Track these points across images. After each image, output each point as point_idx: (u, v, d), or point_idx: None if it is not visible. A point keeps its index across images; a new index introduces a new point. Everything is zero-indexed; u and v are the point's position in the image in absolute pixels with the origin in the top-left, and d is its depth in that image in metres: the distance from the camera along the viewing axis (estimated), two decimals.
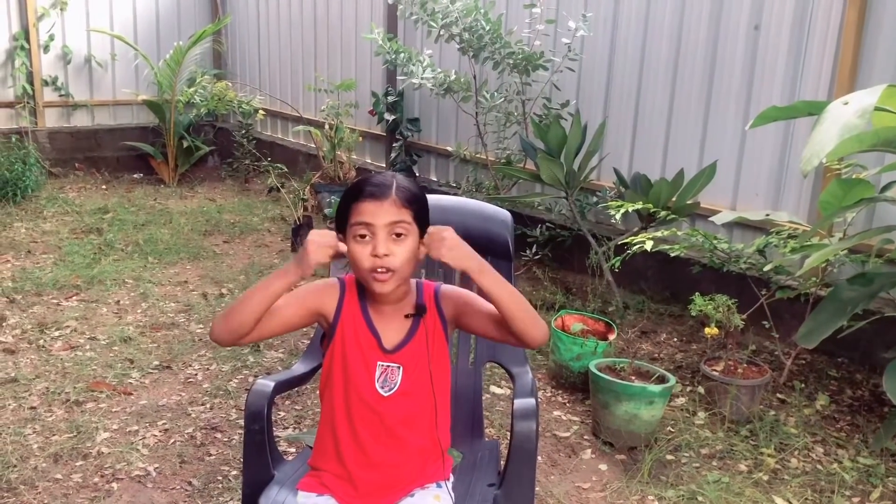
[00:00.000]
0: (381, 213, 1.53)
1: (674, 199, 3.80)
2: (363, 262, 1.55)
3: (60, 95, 7.23)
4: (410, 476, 1.66)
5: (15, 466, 2.65)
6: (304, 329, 2.76)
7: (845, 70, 3.49)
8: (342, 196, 1.61)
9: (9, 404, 3.07)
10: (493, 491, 1.80)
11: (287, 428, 2.98)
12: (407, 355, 1.63)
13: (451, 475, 1.72)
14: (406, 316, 1.64)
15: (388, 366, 1.62)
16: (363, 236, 1.55)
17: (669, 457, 2.85)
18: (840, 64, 3.53)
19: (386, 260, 1.54)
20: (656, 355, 3.67)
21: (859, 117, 2.17)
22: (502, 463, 1.95)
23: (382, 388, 1.62)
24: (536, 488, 2.58)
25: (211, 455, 2.78)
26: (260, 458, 1.83)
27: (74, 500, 2.50)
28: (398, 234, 1.55)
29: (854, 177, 3.00)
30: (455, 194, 4.60)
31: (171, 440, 2.87)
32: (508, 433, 2.18)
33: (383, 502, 1.64)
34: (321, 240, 1.55)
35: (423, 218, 1.59)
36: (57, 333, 3.74)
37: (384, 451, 1.63)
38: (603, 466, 2.80)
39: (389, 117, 5.83)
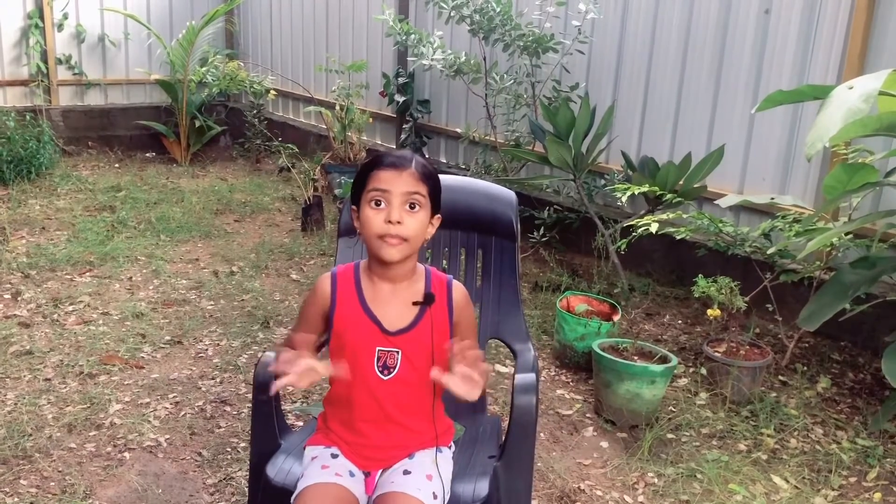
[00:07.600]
0: (399, 182, 1.57)
1: (681, 182, 3.82)
2: (375, 228, 1.57)
3: (74, 74, 7.29)
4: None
5: (30, 435, 2.73)
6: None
7: (855, 55, 3.49)
8: (361, 166, 1.64)
9: (24, 376, 3.15)
10: (493, 462, 1.84)
11: (295, 402, 3.04)
12: (407, 342, 1.63)
13: (453, 445, 1.77)
14: (414, 303, 1.64)
15: (388, 351, 1.63)
16: (378, 203, 1.58)
17: (670, 435, 2.89)
18: (849, 49, 3.52)
19: (398, 227, 1.56)
20: (660, 337, 3.70)
21: (864, 102, 2.19)
22: (503, 438, 1.99)
23: (382, 371, 1.63)
24: (538, 464, 2.64)
25: (220, 427, 2.85)
26: (267, 428, 1.88)
27: (88, 469, 2.57)
28: (412, 206, 1.58)
29: (860, 161, 3.01)
30: (464, 176, 4.63)
31: (182, 412, 2.94)
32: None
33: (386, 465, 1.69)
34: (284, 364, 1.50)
35: (436, 197, 1.63)
36: (70, 308, 3.81)
37: (385, 436, 1.67)
38: (604, 444, 2.85)
39: (400, 99, 5.85)
